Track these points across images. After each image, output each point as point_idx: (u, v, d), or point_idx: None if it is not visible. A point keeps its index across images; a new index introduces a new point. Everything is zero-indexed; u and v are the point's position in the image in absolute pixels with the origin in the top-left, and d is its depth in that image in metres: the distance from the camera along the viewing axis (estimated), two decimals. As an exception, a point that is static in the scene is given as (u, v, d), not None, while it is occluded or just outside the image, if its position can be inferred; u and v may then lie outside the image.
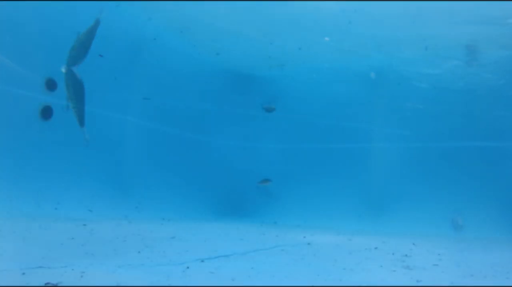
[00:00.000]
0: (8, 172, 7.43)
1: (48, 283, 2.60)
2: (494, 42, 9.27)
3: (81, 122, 7.63)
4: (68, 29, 8.52)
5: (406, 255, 5.17)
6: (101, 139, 9.33)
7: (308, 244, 6.10)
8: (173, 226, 7.56)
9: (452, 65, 10.31)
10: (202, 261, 3.94)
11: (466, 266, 4.52)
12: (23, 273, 2.82)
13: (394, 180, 11.30)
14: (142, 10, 8.76)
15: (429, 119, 11.24)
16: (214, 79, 12.09)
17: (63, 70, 7.21)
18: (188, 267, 3.55)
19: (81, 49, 7.30)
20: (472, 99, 10.79)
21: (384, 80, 11.30)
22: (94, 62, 9.12)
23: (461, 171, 10.73)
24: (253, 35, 9.83)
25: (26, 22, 7.84)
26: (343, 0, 8.06)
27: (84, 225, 6.14)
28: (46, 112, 8.30)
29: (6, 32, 7.60)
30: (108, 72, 9.47)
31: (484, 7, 7.94)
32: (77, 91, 7.56)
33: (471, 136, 10.80)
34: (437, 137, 11.16)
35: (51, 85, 8.38)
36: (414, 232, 9.13)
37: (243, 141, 13.18)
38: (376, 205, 11.19)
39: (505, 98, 10.46)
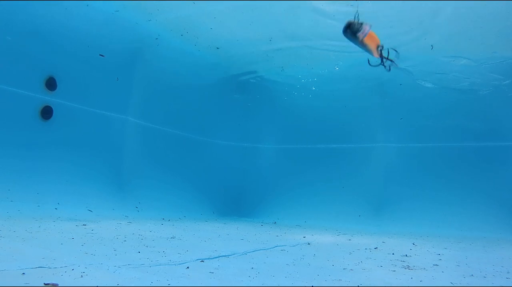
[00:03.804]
0: (8, 172, 7.44)
1: (47, 283, 2.60)
2: (499, 41, 9.23)
3: None
4: (68, 28, 8.54)
5: (406, 255, 5.17)
6: (101, 139, 9.33)
7: (308, 244, 6.10)
8: (173, 226, 7.56)
9: (458, 65, 10.25)
10: (202, 261, 3.94)
11: (466, 266, 4.51)
12: (23, 273, 2.82)
13: (394, 180, 11.29)
14: (143, 10, 8.76)
15: (431, 119, 11.23)
16: (214, 79, 12.09)
17: None
18: (188, 267, 3.55)
19: None
20: (475, 99, 10.77)
21: (386, 79, 11.27)
22: (95, 62, 9.14)
23: (461, 171, 10.72)
24: (253, 35, 9.82)
25: (26, 21, 7.84)
26: (345, 0, 8.03)
27: (84, 225, 6.14)
28: (46, 112, 8.30)
29: (6, 32, 7.61)
30: (109, 72, 9.48)
31: (488, 7, 7.92)
32: None
33: (472, 136, 10.78)
34: (437, 137, 11.15)
35: (51, 85, 8.38)
36: (414, 232, 9.12)
37: (243, 141, 13.18)
38: (376, 205, 11.18)
39: (509, 98, 10.45)
